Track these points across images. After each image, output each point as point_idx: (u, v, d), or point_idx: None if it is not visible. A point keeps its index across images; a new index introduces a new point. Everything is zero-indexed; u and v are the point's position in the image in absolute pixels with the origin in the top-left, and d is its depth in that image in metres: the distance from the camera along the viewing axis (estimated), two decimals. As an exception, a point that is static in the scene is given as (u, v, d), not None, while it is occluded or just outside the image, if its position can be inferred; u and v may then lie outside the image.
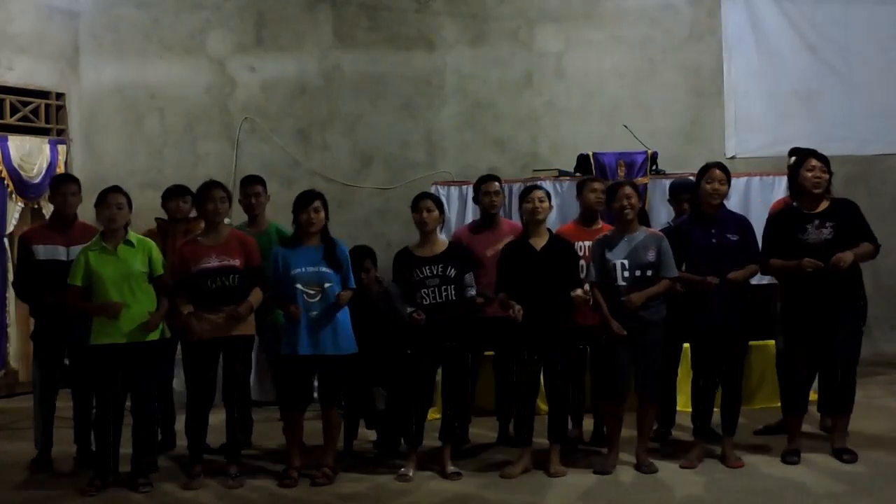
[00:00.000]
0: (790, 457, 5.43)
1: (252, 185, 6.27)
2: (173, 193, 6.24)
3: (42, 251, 5.75)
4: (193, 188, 5.80)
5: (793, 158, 6.19)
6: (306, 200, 5.42)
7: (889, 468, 5.28)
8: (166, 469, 5.68)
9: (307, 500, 5.14)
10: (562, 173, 7.98)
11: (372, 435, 6.11)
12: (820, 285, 5.26)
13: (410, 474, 5.39)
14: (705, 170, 5.50)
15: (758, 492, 4.99)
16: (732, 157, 9.02)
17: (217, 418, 5.56)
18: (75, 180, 6.02)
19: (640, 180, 7.67)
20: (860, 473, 5.22)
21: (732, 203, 7.06)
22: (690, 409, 5.62)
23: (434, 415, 5.96)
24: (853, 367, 5.45)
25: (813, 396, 6.04)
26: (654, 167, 7.77)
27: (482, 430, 6.32)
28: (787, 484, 5.09)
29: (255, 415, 6.34)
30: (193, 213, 6.13)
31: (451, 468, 5.42)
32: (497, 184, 6.17)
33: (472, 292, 5.49)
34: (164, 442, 6.02)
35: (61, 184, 5.95)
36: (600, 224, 5.89)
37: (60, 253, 5.72)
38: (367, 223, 9.30)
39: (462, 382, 5.59)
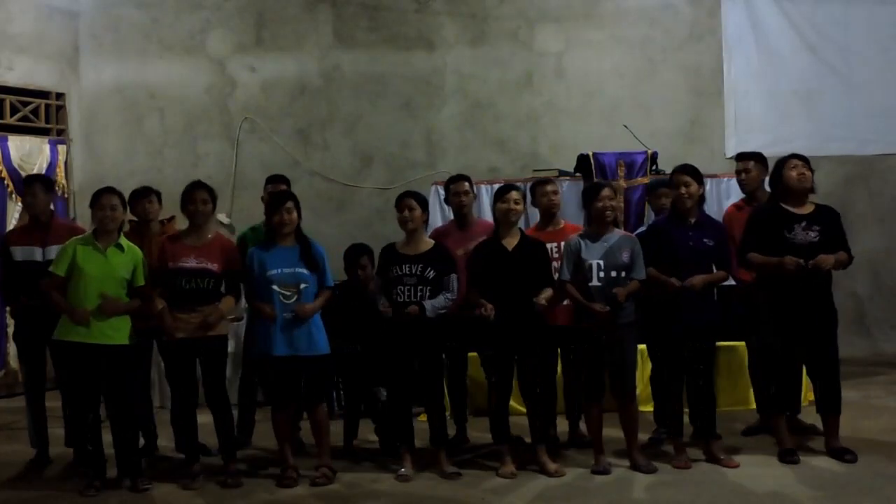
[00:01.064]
0: (789, 456, 5.43)
1: (277, 184, 6.27)
2: (139, 195, 6.08)
3: (19, 252, 5.79)
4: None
5: (739, 164, 6.23)
6: (278, 201, 5.40)
7: (889, 468, 5.28)
8: (166, 469, 5.68)
9: (307, 500, 5.13)
10: (562, 173, 7.98)
11: (372, 435, 6.12)
12: (800, 285, 5.29)
13: (410, 474, 5.39)
14: (672, 175, 5.54)
15: (757, 492, 4.98)
16: (732, 157, 9.01)
17: (206, 419, 5.54)
18: (42, 180, 6.04)
19: (640, 180, 7.68)
20: (860, 473, 5.21)
21: (731, 202, 7.08)
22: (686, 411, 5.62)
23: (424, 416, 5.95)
24: (837, 368, 5.48)
25: (812, 396, 6.06)
26: (654, 167, 7.78)
27: (482, 431, 6.31)
28: (787, 484, 5.08)
29: (255, 415, 6.33)
30: (165, 215, 6.13)
31: (450, 468, 5.42)
32: (467, 184, 6.15)
33: (450, 295, 5.45)
34: (145, 446, 5.96)
35: (29, 184, 5.99)
36: (562, 223, 5.91)
37: (36, 254, 5.75)
38: (366, 223, 9.30)
39: (437, 382, 5.57)
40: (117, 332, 5.24)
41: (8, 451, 6.30)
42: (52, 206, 6.11)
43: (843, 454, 5.41)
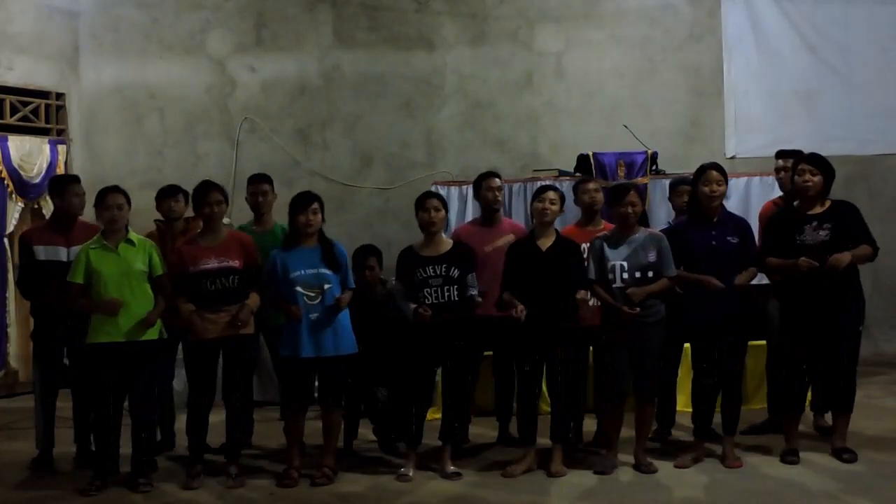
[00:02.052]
0: (789, 457, 5.43)
1: (259, 184, 6.25)
2: (165, 194, 6.19)
3: (42, 252, 5.74)
4: (193, 188, 5.79)
5: (779, 161, 6.23)
6: (304, 202, 5.39)
7: (889, 468, 5.28)
8: (166, 469, 5.68)
9: (307, 500, 5.13)
10: (562, 173, 7.99)
11: (372, 435, 6.12)
12: (817, 286, 5.27)
13: (410, 474, 5.39)
14: (701, 171, 5.48)
15: (758, 492, 4.99)
16: (732, 157, 9.03)
17: (217, 418, 5.56)
18: (79, 181, 6.01)
19: (640, 180, 7.68)
20: (860, 473, 5.22)
21: (732, 203, 7.09)
22: (690, 410, 5.62)
23: (434, 414, 5.96)
24: (853, 368, 5.46)
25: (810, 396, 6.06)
26: (654, 167, 7.79)
27: (482, 430, 6.32)
28: (787, 484, 5.09)
29: (255, 415, 6.34)
30: (190, 213, 6.13)
31: (450, 468, 5.42)
32: (498, 180, 6.14)
33: (475, 292, 5.48)
34: (163, 442, 6.02)
35: (69, 184, 5.91)
36: (602, 224, 5.89)
37: (61, 254, 5.71)
38: (367, 223, 9.30)
39: (465, 382, 5.60)
40: (148, 328, 5.30)
41: (8, 451, 6.30)
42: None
43: (842, 454, 5.42)
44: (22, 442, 6.32)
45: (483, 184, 6.12)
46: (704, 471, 5.36)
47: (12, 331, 8.31)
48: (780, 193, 6.37)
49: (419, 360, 5.44)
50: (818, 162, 5.43)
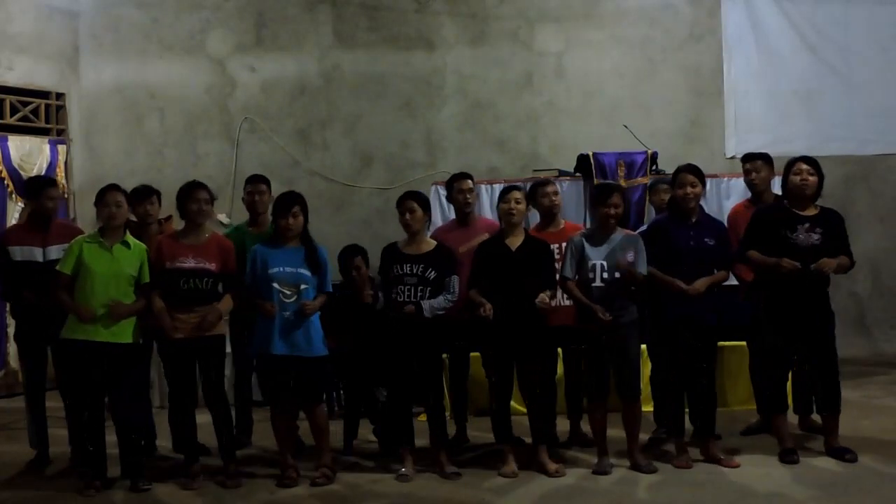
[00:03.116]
0: (789, 456, 5.43)
1: (257, 184, 6.24)
2: (140, 196, 6.04)
3: (18, 252, 5.76)
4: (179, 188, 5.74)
5: (746, 165, 6.25)
6: (285, 206, 5.37)
7: (889, 468, 5.28)
8: (165, 469, 5.67)
9: (307, 500, 5.13)
10: (562, 173, 7.98)
11: (372, 435, 6.12)
12: (799, 286, 5.31)
13: (410, 474, 5.39)
14: (675, 174, 5.54)
15: (757, 492, 4.98)
16: (732, 157, 9.02)
17: (205, 419, 5.54)
18: (56, 184, 6.02)
19: (640, 180, 7.68)
20: (860, 473, 5.21)
21: (732, 203, 7.09)
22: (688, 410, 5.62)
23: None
24: (836, 367, 5.48)
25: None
26: (654, 167, 7.78)
27: (482, 431, 6.31)
28: (787, 483, 5.08)
29: (255, 415, 6.33)
30: (163, 214, 6.12)
31: (450, 468, 5.42)
32: (470, 182, 6.15)
33: (450, 297, 5.43)
34: (145, 446, 5.93)
35: (43, 187, 5.91)
36: (562, 224, 5.92)
37: (36, 254, 5.74)
38: (366, 223, 9.30)
39: (435, 382, 5.57)
40: (123, 330, 5.25)
41: (8, 451, 6.30)
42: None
43: (843, 454, 5.42)
44: (21, 442, 6.31)
45: (454, 185, 6.14)
46: (704, 471, 5.35)
47: (12, 331, 8.27)
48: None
49: (398, 360, 5.42)
50: (815, 163, 5.45)
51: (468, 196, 6.12)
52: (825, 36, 9.15)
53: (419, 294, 5.39)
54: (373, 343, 5.68)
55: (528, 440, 5.57)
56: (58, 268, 5.28)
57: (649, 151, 7.81)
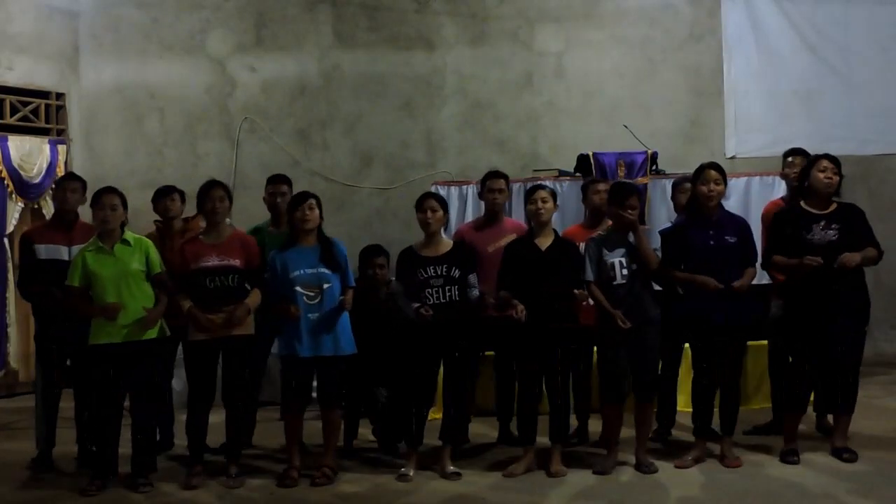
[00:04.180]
0: (789, 456, 5.43)
1: (279, 185, 6.26)
2: (161, 194, 6.23)
3: (44, 251, 5.74)
4: (193, 188, 5.78)
5: (788, 158, 6.23)
6: (301, 198, 5.43)
7: (889, 468, 5.28)
8: (166, 469, 5.67)
9: (307, 500, 5.13)
10: (562, 173, 7.99)
11: (372, 435, 6.12)
12: (822, 285, 5.28)
13: (410, 474, 5.39)
14: (700, 171, 5.48)
15: (757, 492, 4.99)
16: (732, 157, 9.03)
17: (218, 418, 5.56)
18: (79, 179, 6.02)
19: (640, 180, 7.68)
20: (860, 473, 5.22)
21: (732, 203, 7.10)
22: (691, 409, 5.62)
23: (435, 414, 5.96)
24: (856, 368, 5.47)
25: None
26: (654, 167, 7.79)
27: (482, 430, 6.32)
28: (787, 484, 5.09)
29: (256, 415, 6.32)
30: (188, 212, 6.13)
31: (451, 468, 5.42)
32: (503, 181, 6.13)
33: (476, 293, 5.48)
34: (162, 442, 6.01)
35: (65, 180, 6.00)
36: (607, 224, 5.88)
37: (62, 252, 5.72)
38: (367, 223, 9.30)
39: (466, 382, 5.60)
40: (149, 328, 5.30)
41: (8, 451, 6.29)
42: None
43: (842, 453, 5.42)
44: (22, 442, 6.32)
45: (487, 183, 6.12)
46: (704, 471, 5.36)
47: (12, 331, 8.30)
48: (781, 193, 6.35)
49: (420, 360, 5.44)
50: (838, 162, 5.46)
51: (498, 196, 6.10)
52: (825, 36, 9.15)
53: (448, 294, 5.39)
54: (374, 343, 5.68)
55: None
56: (67, 283, 5.29)
57: (649, 151, 7.81)
